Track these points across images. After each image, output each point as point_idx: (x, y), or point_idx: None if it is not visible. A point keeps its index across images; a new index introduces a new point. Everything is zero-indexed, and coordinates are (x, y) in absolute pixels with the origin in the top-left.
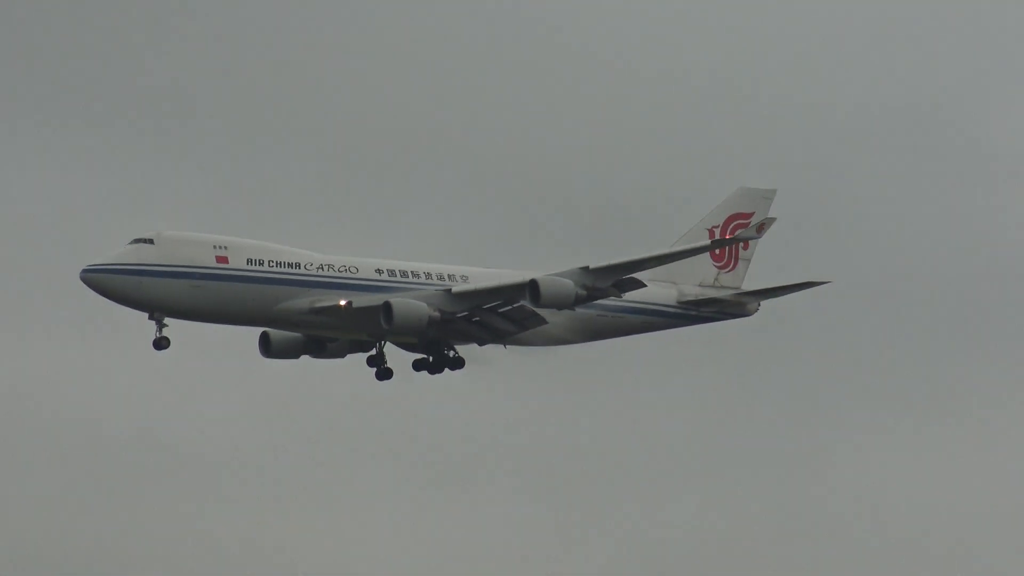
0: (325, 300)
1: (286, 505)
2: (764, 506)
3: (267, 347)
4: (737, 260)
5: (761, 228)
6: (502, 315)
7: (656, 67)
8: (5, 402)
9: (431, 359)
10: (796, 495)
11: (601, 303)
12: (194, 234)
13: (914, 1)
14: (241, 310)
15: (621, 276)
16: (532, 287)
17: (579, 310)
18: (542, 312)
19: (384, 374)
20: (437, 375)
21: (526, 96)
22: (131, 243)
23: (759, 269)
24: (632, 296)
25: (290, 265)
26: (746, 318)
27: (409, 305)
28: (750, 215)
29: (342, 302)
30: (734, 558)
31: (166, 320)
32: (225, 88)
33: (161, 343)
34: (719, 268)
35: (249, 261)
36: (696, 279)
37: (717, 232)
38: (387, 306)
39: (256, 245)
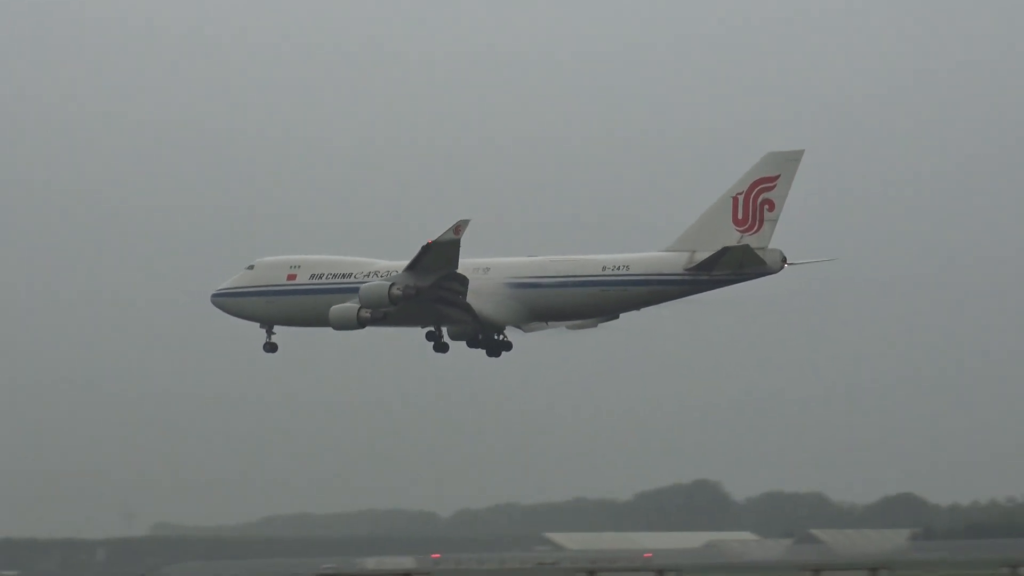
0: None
1: None
2: None
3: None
4: (762, 222)
5: (458, 230)
6: (434, 302)
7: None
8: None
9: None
10: None
11: (601, 279)
12: (283, 257)
13: None
14: (307, 316)
15: (436, 274)
16: None
17: (521, 291)
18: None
19: (441, 348)
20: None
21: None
22: (246, 269)
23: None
24: (637, 268)
25: (343, 276)
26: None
27: (340, 308)
28: (775, 178)
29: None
30: None
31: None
32: None
33: (266, 347)
34: (741, 231)
35: (312, 276)
36: (716, 245)
37: (741, 199)
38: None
39: (325, 261)
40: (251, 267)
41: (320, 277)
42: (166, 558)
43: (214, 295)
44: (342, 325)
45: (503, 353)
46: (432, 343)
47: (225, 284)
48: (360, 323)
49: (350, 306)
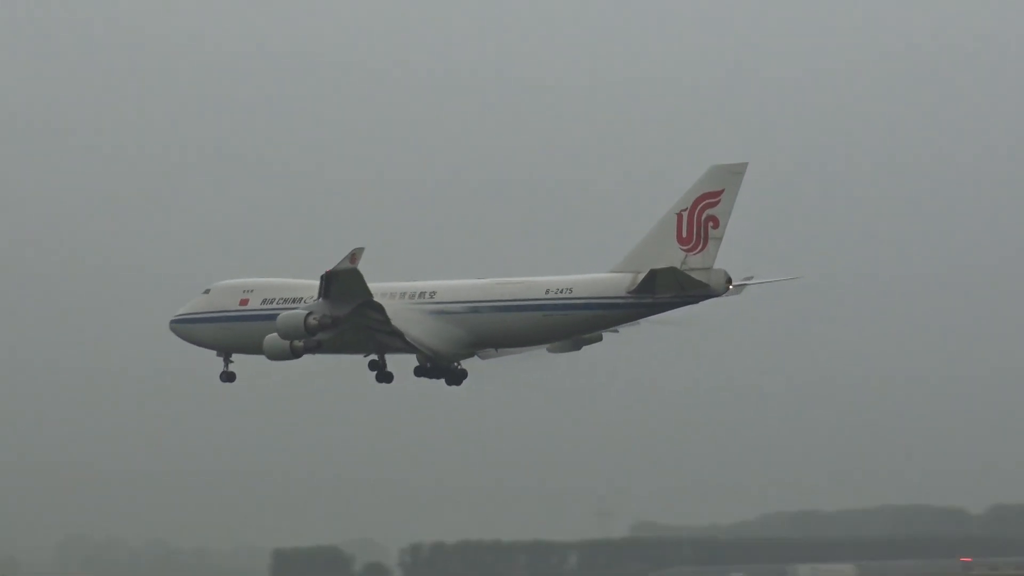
0: None
1: None
2: None
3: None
4: (707, 240)
5: (354, 259)
6: (360, 330)
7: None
8: None
9: (429, 368)
10: None
11: (543, 303)
12: (238, 280)
13: None
14: (257, 344)
15: (350, 302)
16: None
17: (479, 315)
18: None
19: (385, 377)
20: (453, 386)
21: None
22: (202, 293)
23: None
24: (580, 291)
25: (294, 300)
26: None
27: (271, 339)
28: (719, 193)
29: None
30: None
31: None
32: None
33: (222, 377)
34: (686, 251)
35: (264, 301)
36: (660, 264)
37: (685, 216)
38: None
39: (277, 284)
40: (207, 291)
41: (272, 302)
42: (649, 563)
43: (172, 321)
44: (277, 356)
45: (463, 381)
46: (375, 372)
47: (182, 309)
48: (295, 353)
49: (274, 334)
